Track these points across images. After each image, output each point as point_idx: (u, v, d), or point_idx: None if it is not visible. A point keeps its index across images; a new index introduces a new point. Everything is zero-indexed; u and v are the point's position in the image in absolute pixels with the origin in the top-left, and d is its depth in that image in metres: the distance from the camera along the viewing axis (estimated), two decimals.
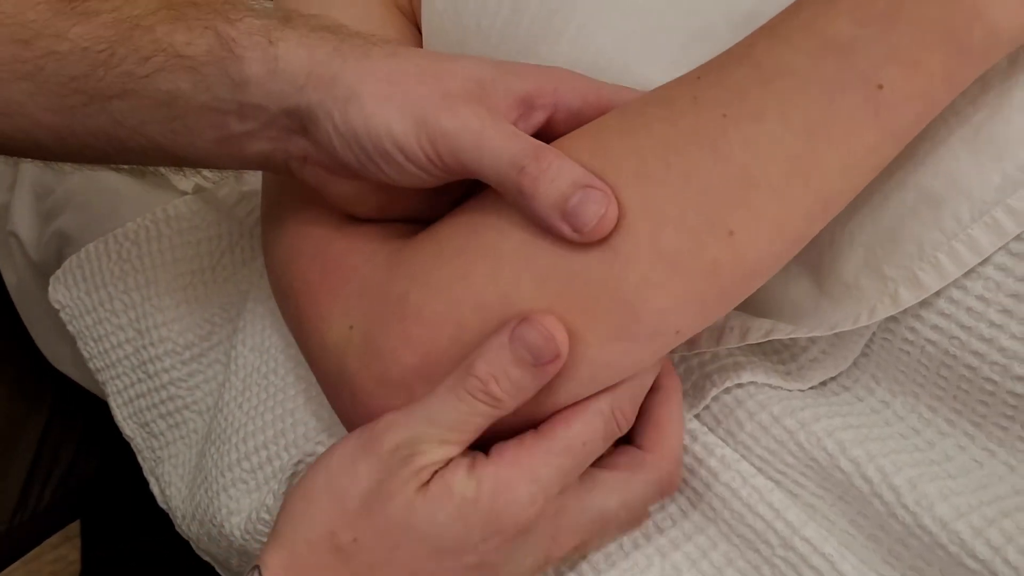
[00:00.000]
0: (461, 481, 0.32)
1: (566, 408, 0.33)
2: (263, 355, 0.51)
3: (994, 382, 0.33)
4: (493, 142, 0.32)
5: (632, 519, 0.36)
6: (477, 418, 0.32)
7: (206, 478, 0.50)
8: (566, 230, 0.31)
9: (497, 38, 0.44)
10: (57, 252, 0.60)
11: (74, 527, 0.83)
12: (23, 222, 0.62)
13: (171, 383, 0.55)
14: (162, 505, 0.55)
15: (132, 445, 0.57)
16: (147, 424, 0.56)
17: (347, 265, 0.38)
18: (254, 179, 0.57)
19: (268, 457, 0.47)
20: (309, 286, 0.38)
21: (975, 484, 0.34)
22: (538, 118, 0.35)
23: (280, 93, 0.33)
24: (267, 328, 0.51)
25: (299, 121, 0.34)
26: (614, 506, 0.34)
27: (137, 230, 0.55)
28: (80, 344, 0.57)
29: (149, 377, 0.55)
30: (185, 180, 0.56)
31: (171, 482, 0.54)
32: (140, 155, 0.39)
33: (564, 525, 0.34)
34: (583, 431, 0.33)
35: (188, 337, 0.54)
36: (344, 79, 0.33)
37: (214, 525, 0.48)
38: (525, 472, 0.32)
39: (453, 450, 0.32)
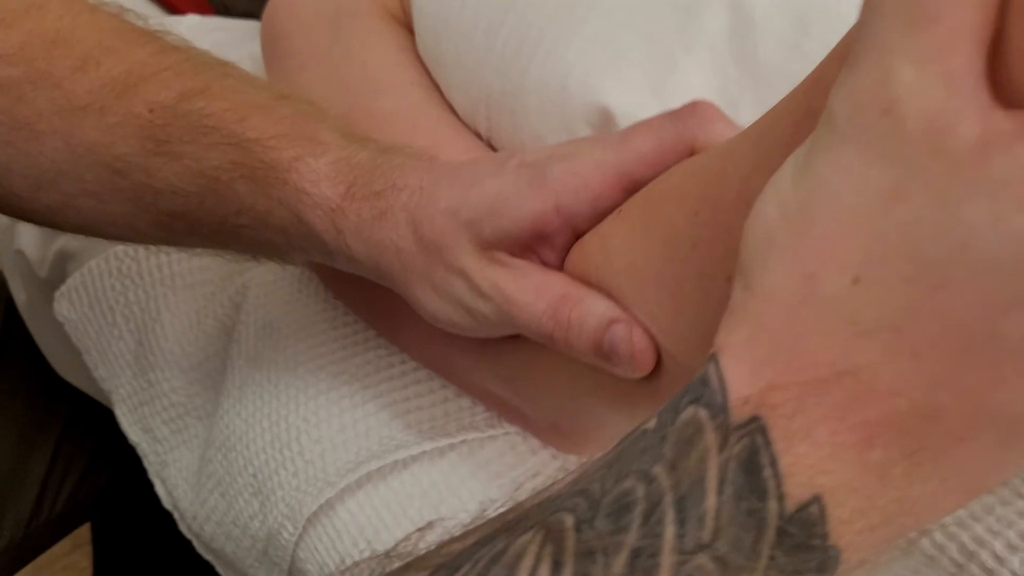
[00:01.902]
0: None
1: None
2: (256, 364, 0.53)
3: None
4: (517, 314, 0.32)
5: None
6: None
7: (219, 483, 0.52)
8: (618, 370, 0.30)
9: (473, 64, 0.46)
10: (62, 269, 0.62)
11: (84, 535, 0.84)
12: (29, 240, 0.64)
13: (172, 391, 0.57)
14: (168, 506, 0.58)
15: (138, 450, 0.59)
16: (151, 430, 0.58)
17: None
18: None
19: (266, 461, 0.50)
20: None
21: None
22: (559, 240, 0.33)
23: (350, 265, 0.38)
24: (260, 339, 0.54)
25: None
26: None
27: (137, 247, 0.58)
28: (85, 357, 0.59)
29: (151, 385, 0.57)
30: None
31: (176, 484, 0.57)
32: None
33: None
34: None
35: (186, 348, 0.57)
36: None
37: (236, 526, 0.50)
38: None
39: (952, 80, 0.18)
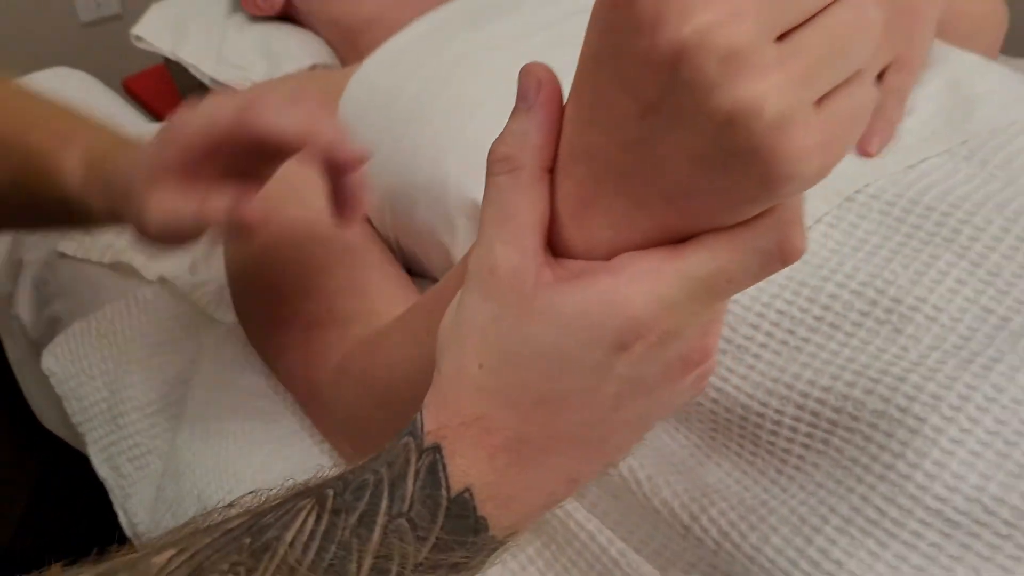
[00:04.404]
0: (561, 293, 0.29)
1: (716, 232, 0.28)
2: (206, 407, 0.64)
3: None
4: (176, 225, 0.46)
5: (717, 295, 0.29)
6: (512, 195, 0.30)
7: (171, 506, 0.62)
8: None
9: (381, 166, 0.59)
10: (50, 330, 0.74)
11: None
12: (24, 307, 0.76)
13: (136, 433, 0.67)
14: (128, 532, 0.67)
15: (105, 485, 0.69)
16: (117, 467, 0.68)
17: None
18: (206, 273, 0.72)
19: (208, 483, 0.60)
20: None
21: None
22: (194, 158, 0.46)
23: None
24: (209, 388, 0.65)
25: None
26: (714, 269, 0.28)
27: (112, 312, 0.69)
28: (65, 403, 0.70)
29: (119, 428, 0.68)
30: (151, 270, 0.71)
31: (136, 512, 0.67)
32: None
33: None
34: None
35: (150, 396, 0.67)
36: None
37: None
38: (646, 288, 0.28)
39: (522, 250, 0.29)
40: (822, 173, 0.25)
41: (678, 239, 0.28)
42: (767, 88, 0.23)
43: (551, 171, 0.30)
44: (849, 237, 0.46)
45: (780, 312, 0.45)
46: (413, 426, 0.32)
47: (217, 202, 0.45)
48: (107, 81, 1.01)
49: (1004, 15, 0.72)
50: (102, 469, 0.69)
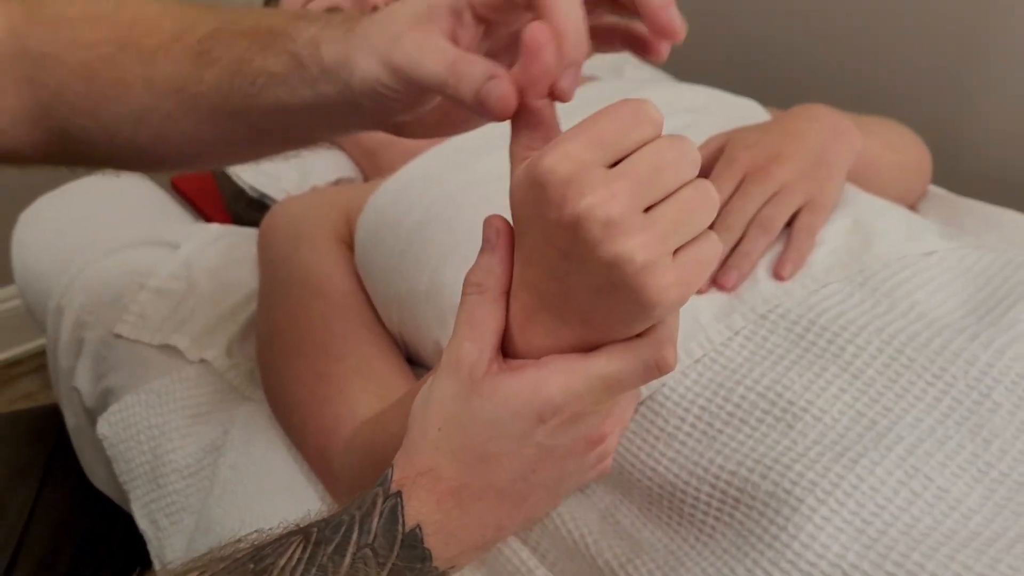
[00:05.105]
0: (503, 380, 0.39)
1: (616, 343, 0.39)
2: (236, 471, 0.74)
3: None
4: (424, 66, 0.40)
5: (612, 391, 0.40)
6: (479, 310, 0.40)
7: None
8: (486, 114, 0.39)
9: (390, 275, 0.70)
10: (103, 401, 0.83)
11: None
12: (83, 380, 0.86)
13: (174, 492, 0.76)
14: None
15: (145, 537, 0.78)
16: (155, 521, 0.77)
17: None
18: (240, 356, 0.83)
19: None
20: None
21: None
22: (468, 17, 0.42)
23: (328, 77, 0.45)
24: (239, 454, 0.75)
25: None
26: (611, 372, 0.39)
27: (159, 387, 0.79)
28: (114, 464, 0.80)
29: (159, 487, 0.77)
30: (193, 352, 0.82)
31: (170, 562, 0.77)
32: (274, 147, 0.54)
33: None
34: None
35: (187, 460, 0.77)
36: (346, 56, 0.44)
37: None
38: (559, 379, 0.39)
39: (481, 349, 0.40)
40: (680, 302, 0.36)
41: (590, 348, 0.40)
42: (635, 245, 0.34)
43: (507, 294, 0.40)
44: (760, 348, 0.57)
45: (702, 408, 0.55)
46: (384, 478, 0.42)
47: (470, 66, 0.39)
48: (156, 179, 1.11)
49: (924, 164, 0.83)
50: (143, 522, 0.78)
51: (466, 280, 0.41)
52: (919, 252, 0.62)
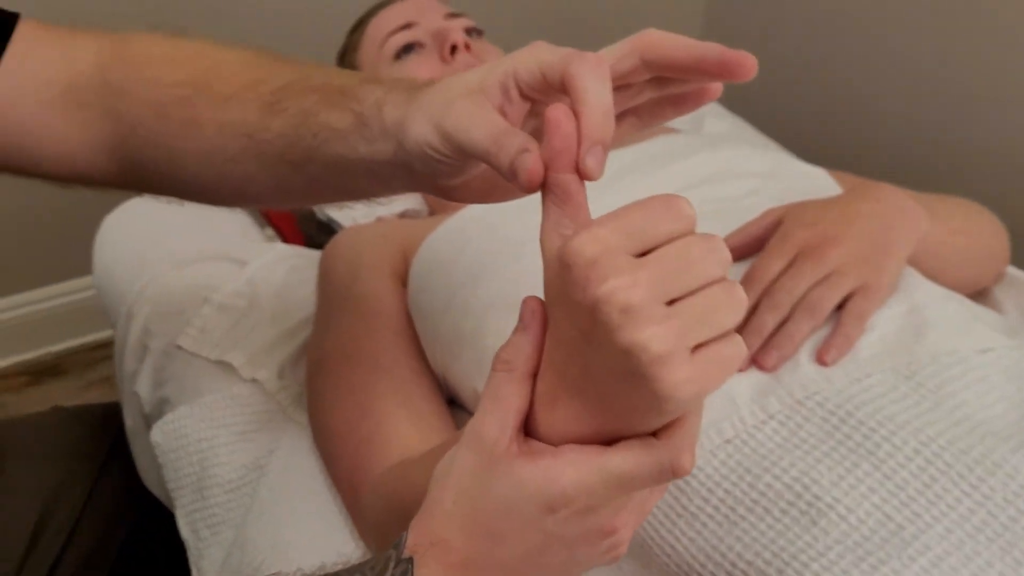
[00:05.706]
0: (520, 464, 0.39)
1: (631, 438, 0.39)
2: (274, 493, 0.76)
3: None
4: (471, 133, 0.43)
5: (625, 488, 0.40)
6: (505, 387, 0.40)
7: (235, 572, 0.73)
8: (517, 183, 0.40)
9: (437, 318, 0.71)
10: (159, 408, 0.87)
11: None
12: (144, 386, 0.90)
13: (216, 505, 0.79)
14: None
15: (186, 544, 0.81)
16: (197, 531, 0.80)
17: None
18: (291, 378, 0.85)
19: (264, 559, 0.72)
20: None
21: None
22: (515, 94, 0.44)
23: (386, 137, 0.48)
24: (280, 476, 0.77)
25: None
26: (625, 470, 0.39)
27: (212, 402, 0.82)
28: (164, 471, 0.83)
29: (203, 499, 0.80)
30: (247, 371, 0.85)
31: (207, 571, 0.79)
32: (325, 197, 0.58)
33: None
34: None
35: (231, 476, 0.79)
36: (404, 118, 0.47)
37: None
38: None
39: (503, 427, 0.40)
40: (696, 400, 0.35)
41: (610, 439, 0.40)
42: (651, 334, 0.34)
43: (534, 374, 0.41)
44: (793, 435, 0.56)
45: (726, 491, 0.55)
46: (399, 541, 0.43)
47: (510, 138, 0.41)
48: None
49: (998, 249, 0.80)
50: (185, 531, 0.81)
51: (496, 356, 0.42)
52: (974, 348, 0.59)
